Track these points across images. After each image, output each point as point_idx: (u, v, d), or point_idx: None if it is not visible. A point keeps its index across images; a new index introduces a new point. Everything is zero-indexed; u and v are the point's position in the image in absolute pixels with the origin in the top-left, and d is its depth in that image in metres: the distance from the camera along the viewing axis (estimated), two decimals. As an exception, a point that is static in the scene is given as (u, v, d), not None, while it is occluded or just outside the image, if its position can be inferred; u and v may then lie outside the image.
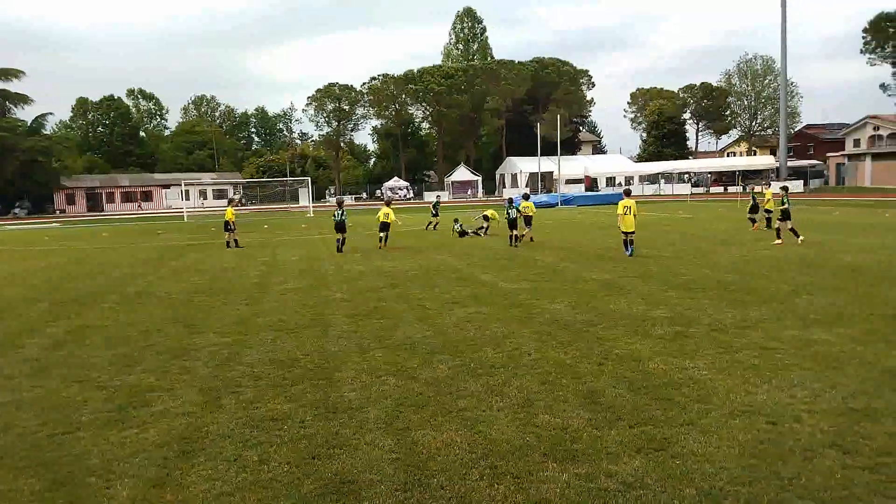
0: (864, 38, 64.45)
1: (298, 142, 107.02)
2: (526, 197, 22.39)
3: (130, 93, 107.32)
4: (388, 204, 21.38)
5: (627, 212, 16.23)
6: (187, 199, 64.02)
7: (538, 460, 4.75)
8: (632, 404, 5.83)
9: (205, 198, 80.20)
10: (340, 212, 20.18)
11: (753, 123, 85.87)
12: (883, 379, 6.29)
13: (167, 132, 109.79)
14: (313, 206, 53.75)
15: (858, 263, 13.92)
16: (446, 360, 7.38)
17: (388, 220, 20.41)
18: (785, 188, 19.87)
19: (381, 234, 20.41)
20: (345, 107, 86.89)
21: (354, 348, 8.11)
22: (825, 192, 60.26)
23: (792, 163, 71.90)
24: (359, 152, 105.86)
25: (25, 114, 74.18)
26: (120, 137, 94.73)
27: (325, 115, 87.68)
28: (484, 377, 6.75)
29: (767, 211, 21.96)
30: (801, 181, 64.92)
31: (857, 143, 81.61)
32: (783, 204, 18.44)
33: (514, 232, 19.93)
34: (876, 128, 78.94)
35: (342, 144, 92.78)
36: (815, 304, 9.77)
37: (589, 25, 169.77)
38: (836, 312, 9.17)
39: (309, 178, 60.31)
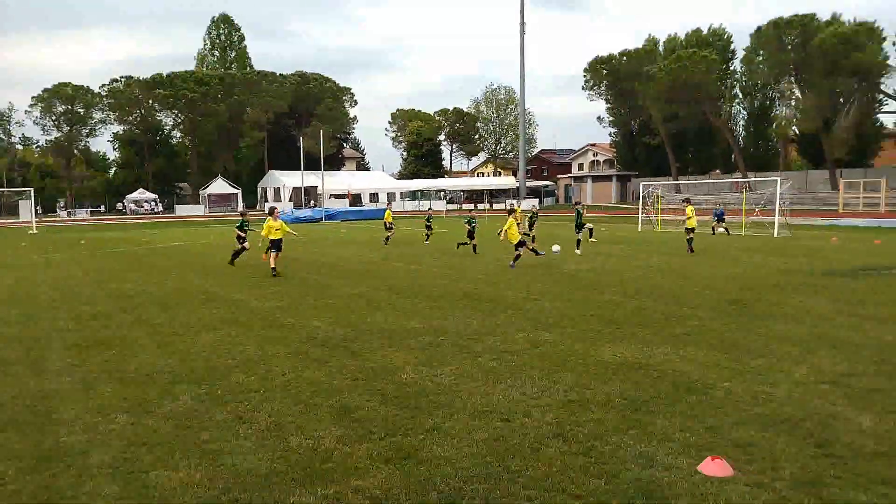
0: (584, 76, 74.94)
1: (19, 147, 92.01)
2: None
3: None
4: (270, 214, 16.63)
5: None
6: None
7: (287, 487, 4.58)
8: (383, 416, 5.93)
9: None
10: None
11: (498, 147, 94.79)
12: (595, 371, 7.26)
13: None
14: (37, 222, 46.52)
15: (575, 272, 16.01)
16: (189, 390, 6.82)
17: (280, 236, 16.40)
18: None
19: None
20: (79, 110, 77.07)
21: (78, 385, 7.10)
22: (556, 209, 68.81)
23: (530, 183, 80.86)
24: (96, 160, 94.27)
25: None
26: None
27: (53, 118, 76.86)
28: (232, 404, 6.36)
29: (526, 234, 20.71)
30: (538, 199, 73.23)
31: (580, 166, 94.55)
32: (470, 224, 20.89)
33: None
34: (595, 154, 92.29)
35: (76, 151, 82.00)
36: (544, 309, 10.99)
37: (352, 45, 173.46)
38: (560, 315, 10.41)
39: (32, 190, 51.81)
